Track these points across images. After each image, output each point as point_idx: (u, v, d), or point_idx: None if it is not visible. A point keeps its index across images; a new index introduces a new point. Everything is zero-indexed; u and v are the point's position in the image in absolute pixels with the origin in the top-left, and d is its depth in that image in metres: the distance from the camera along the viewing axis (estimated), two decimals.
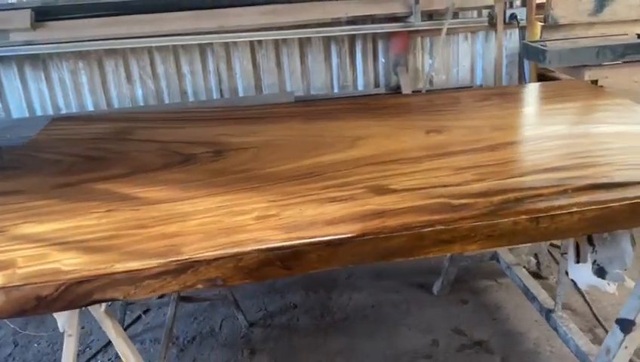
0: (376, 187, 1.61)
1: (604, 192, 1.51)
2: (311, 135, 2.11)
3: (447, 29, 3.77)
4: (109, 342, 2.75)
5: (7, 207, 1.61)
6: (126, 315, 2.87)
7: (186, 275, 1.29)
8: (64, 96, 3.89)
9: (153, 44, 3.73)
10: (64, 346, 1.47)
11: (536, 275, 2.98)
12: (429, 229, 1.39)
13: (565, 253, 2.16)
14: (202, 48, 3.85)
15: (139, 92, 3.92)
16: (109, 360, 2.67)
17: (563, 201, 1.46)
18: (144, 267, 1.27)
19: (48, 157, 2.02)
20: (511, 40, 3.97)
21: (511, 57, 4.01)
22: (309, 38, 3.86)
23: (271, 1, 3.54)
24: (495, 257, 2.87)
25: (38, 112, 3.92)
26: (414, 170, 1.73)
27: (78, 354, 2.69)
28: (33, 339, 2.84)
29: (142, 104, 3.93)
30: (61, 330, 1.47)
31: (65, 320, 1.44)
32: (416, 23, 3.50)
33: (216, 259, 1.30)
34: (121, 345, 1.50)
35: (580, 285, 2.03)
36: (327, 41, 3.90)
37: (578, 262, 1.90)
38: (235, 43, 3.83)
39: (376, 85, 4.05)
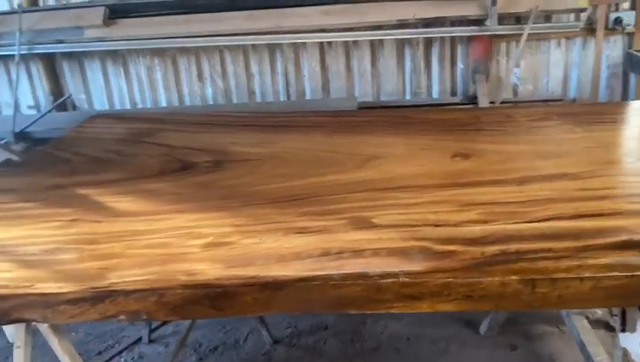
0: (358, 219, 1.39)
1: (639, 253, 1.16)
2: (324, 150, 1.91)
3: (538, 33, 3.34)
4: (138, 340, 2.79)
5: None
6: None
7: (104, 304, 1.18)
8: (140, 91, 4.02)
9: (224, 44, 3.72)
10: (14, 358, 1.44)
11: (607, 326, 2.52)
12: (390, 281, 1.14)
13: None
14: (271, 49, 3.77)
15: (209, 90, 3.94)
16: (132, 359, 2.68)
17: (574, 262, 1.14)
18: (60, 291, 1.17)
19: (62, 155, 2.03)
20: (614, 48, 3.43)
21: (614, 68, 3.46)
22: (381, 41, 3.62)
23: (333, 1, 3.36)
24: None
25: (117, 106, 4.09)
26: (413, 202, 1.47)
27: (106, 349, 2.77)
28: (74, 328, 2.93)
29: (211, 102, 3.95)
30: (10, 341, 1.43)
31: (12, 332, 1.40)
32: (493, 27, 3.13)
33: (137, 291, 1.16)
34: None
35: (633, 356, 1.63)
36: (400, 43, 3.63)
37: (624, 330, 1.51)
38: (304, 44, 3.70)
39: (453, 93, 3.70)
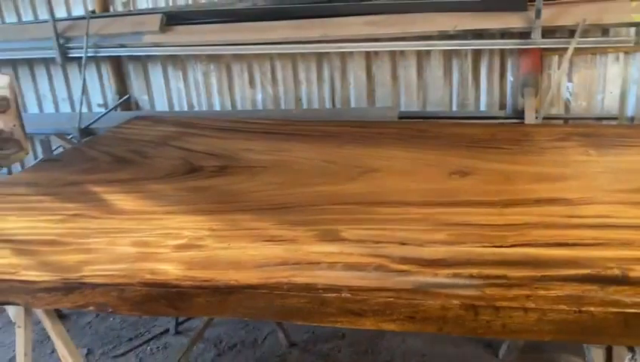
0: (328, 232, 1.41)
1: (599, 288, 1.10)
2: (327, 160, 1.94)
3: (592, 48, 3.16)
4: (165, 331, 2.94)
5: (13, 197, 1.79)
6: None
7: (74, 295, 1.28)
8: (197, 94, 4.21)
9: (275, 51, 3.83)
10: (16, 337, 1.58)
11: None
12: (334, 295, 1.16)
13: None
14: (319, 57, 3.82)
15: (259, 96, 4.06)
16: (157, 347, 2.82)
17: (523, 291, 1.10)
18: (37, 279, 1.29)
19: (92, 154, 2.19)
20: None
21: None
22: (428, 51, 3.57)
23: (379, 11, 3.36)
24: None
25: (176, 107, 4.31)
26: (390, 218, 1.47)
27: (137, 336, 2.94)
28: (112, 314, 3.13)
29: (260, 107, 4.06)
30: (13, 321, 1.58)
31: (14, 313, 1.54)
32: (538, 40, 2.99)
33: (101, 284, 1.26)
34: (60, 347, 1.56)
35: None
36: (448, 55, 3.56)
37: None
38: (351, 53, 3.73)
39: (502, 107, 3.58)
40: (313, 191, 1.68)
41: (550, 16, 3.00)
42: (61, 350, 1.56)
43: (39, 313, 1.54)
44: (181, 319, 2.95)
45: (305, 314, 1.19)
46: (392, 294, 1.14)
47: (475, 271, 1.18)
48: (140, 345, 2.84)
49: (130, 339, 2.89)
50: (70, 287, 1.27)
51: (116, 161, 2.09)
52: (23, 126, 2.60)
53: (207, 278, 1.23)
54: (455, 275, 1.18)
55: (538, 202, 1.50)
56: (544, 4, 2.97)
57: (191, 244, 1.39)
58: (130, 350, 2.79)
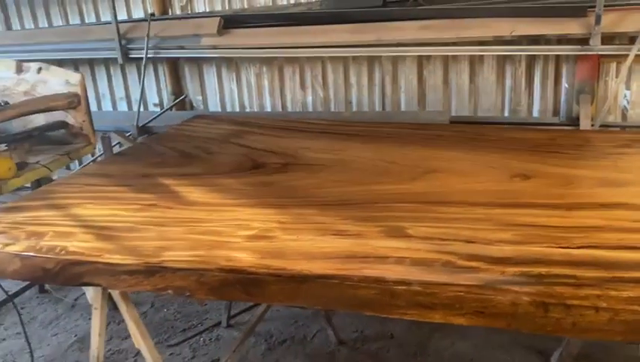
0: (393, 228, 1.45)
1: None
2: (387, 160, 1.98)
3: None
4: (217, 324, 3.03)
5: (89, 188, 1.90)
6: (234, 303, 3.06)
7: (155, 278, 1.36)
8: (249, 96, 4.32)
9: (327, 55, 3.90)
10: (92, 318, 1.67)
11: None
12: (404, 288, 1.20)
13: None
14: (371, 61, 3.87)
15: (309, 98, 4.14)
16: (209, 339, 2.91)
17: (594, 291, 1.12)
18: (121, 262, 1.37)
19: (159, 149, 2.30)
20: None
21: None
22: (481, 57, 3.57)
23: (434, 16, 3.38)
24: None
25: (228, 108, 4.43)
26: (454, 217, 1.50)
27: (190, 327, 3.03)
28: (166, 305, 3.24)
29: (310, 110, 4.14)
30: (90, 303, 1.68)
31: (92, 295, 1.64)
32: (596, 46, 2.95)
33: (181, 269, 1.33)
34: (133, 328, 1.64)
35: None
36: (501, 60, 3.55)
37: None
38: (402, 57, 3.76)
39: (556, 113, 3.54)
40: (375, 190, 1.72)
41: (610, 22, 2.97)
42: (133, 331, 1.65)
43: (115, 296, 1.64)
44: (233, 312, 3.04)
45: (375, 306, 1.23)
46: (463, 289, 1.17)
47: (543, 270, 1.21)
48: (193, 336, 2.93)
49: (184, 330, 2.99)
50: (152, 271, 1.35)
51: (183, 156, 2.18)
52: (91, 122, 2.74)
53: (280, 267, 1.29)
54: (523, 273, 1.20)
55: (603, 206, 1.51)
56: (604, 10, 2.94)
57: (261, 235, 1.46)
58: (184, 340, 2.89)
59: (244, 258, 1.34)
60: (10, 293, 2.69)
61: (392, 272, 1.24)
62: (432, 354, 2.66)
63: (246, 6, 4.09)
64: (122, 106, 4.74)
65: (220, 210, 1.64)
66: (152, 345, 1.69)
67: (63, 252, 1.43)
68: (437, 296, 1.18)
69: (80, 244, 1.46)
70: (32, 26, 4.81)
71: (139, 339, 1.65)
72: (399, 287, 1.20)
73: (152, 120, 4.05)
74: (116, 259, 1.38)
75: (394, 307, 1.22)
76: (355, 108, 4.04)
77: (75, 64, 4.59)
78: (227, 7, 4.13)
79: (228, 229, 1.50)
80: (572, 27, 3.01)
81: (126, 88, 4.65)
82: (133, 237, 1.49)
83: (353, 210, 1.58)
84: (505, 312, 1.15)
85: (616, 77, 3.29)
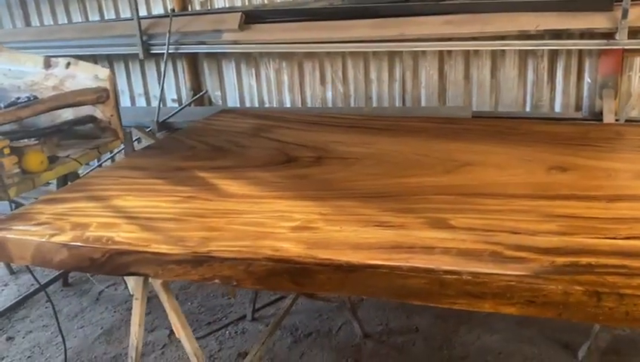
0: (435, 220, 1.46)
1: None
2: (418, 153, 1.99)
3: None
4: (242, 317, 3.05)
5: (125, 180, 1.92)
6: (259, 297, 3.07)
7: (202, 268, 1.37)
8: (268, 92, 4.34)
9: (348, 50, 3.90)
10: (133, 308, 1.70)
11: None
12: (454, 277, 1.21)
13: None
14: (391, 56, 3.87)
15: (329, 94, 4.15)
16: (235, 332, 2.93)
17: None
18: (169, 252, 1.39)
19: (189, 143, 2.32)
20: None
21: None
22: (502, 51, 3.57)
23: (456, 10, 3.38)
24: None
25: (247, 103, 4.45)
26: (495, 209, 1.51)
27: (215, 321, 3.06)
28: (190, 298, 3.27)
29: (330, 105, 4.15)
30: (131, 293, 1.70)
31: (133, 285, 1.66)
32: (622, 41, 2.94)
33: (229, 259, 1.35)
34: (174, 318, 1.66)
35: None
36: (523, 55, 3.54)
37: None
38: (423, 52, 3.76)
39: (578, 108, 3.53)
40: (411, 182, 1.73)
41: (637, 16, 2.96)
42: (174, 320, 1.67)
43: (156, 286, 1.66)
44: (258, 306, 3.06)
45: (424, 295, 1.24)
46: (514, 278, 1.18)
47: (592, 260, 1.21)
48: (219, 329, 2.95)
49: (209, 323, 3.01)
50: (200, 260, 1.37)
51: (214, 150, 2.20)
52: (119, 116, 2.76)
53: (327, 257, 1.30)
54: (573, 263, 1.21)
55: None
56: (631, 4, 2.93)
57: (304, 226, 1.47)
58: (210, 333, 2.91)
59: (290, 248, 1.35)
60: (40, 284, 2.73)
61: (440, 262, 1.25)
62: (457, 348, 2.66)
63: (266, 1, 4.10)
64: (141, 102, 4.77)
65: (259, 202, 1.65)
66: (192, 334, 1.71)
67: (109, 242, 1.45)
68: (487, 286, 1.19)
69: (126, 235, 1.48)
70: (52, 23, 4.84)
71: (179, 329, 1.67)
72: (449, 277, 1.21)
73: (171, 115, 4.07)
74: (164, 248, 1.40)
75: (443, 296, 1.23)
76: (375, 104, 4.04)
77: (93, 60, 4.62)
78: (247, 3, 4.15)
79: (270, 220, 1.52)
80: (598, 21, 3.00)
81: (145, 84, 4.67)
82: (177, 228, 1.51)
83: (392, 202, 1.59)
84: (556, 302, 1.16)
85: None
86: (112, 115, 2.72)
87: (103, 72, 2.69)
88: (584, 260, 1.21)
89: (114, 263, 1.44)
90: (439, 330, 2.79)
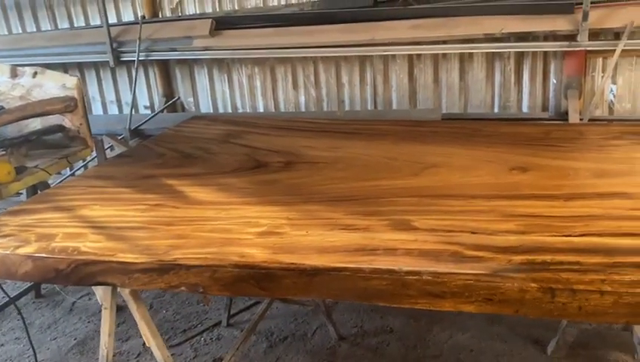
0: (399, 221, 1.49)
1: None
2: (387, 157, 2.03)
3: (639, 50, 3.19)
4: (218, 324, 3.04)
5: (94, 189, 1.91)
6: (234, 303, 3.07)
7: (169, 276, 1.38)
8: (241, 97, 4.34)
9: (318, 55, 3.93)
10: (102, 318, 1.69)
11: None
12: (414, 278, 1.24)
13: None
14: (362, 60, 3.91)
15: (302, 98, 4.17)
16: (210, 338, 2.93)
17: (599, 276, 1.16)
18: (135, 261, 1.39)
19: (158, 150, 2.31)
20: None
21: None
22: (470, 54, 3.64)
23: (424, 15, 3.43)
24: (630, 328, 2.36)
25: (220, 109, 4.44)
26: (458, 210, 1.55)
27: (190, 328, 3.05)
28: (165, 306, 3.25)
29: (303, 110, 4.17)
30: (100, 303, 1.69)
31: (101, 295, 1.66)
32: (584, 42, 3.03)
33: (195, 266, 1.36)
34: (143, 327, 1.66)
35: None
36: (490, 57, 3.61)
37: None
38: (393, 56, 3.81)
39: (544, 108, 3.62)
40: (379, 185, 1.76)
41: (596, 18, 3.04)
42: (144, 329, 1.67)
43: (125, 295, 1.65)
44: (233, 311, 3.06)
45: (387, 296, 1.27)
46: (472, 277, 1.21)
47: (548, 257, 1.25)
48: (194, 336, 2.94)
49: (184, 331, 3.00)
50: (165, 268, 1.37)
51: (184, 157, 2.20)
52: (88, 125, 2.74)
53: (292, 262, 1.32)
54: (529, 261, 1.25)
55: (600, 196, 1.56)
56: (591, 6, 3.01)
57: (271, 231, 1.49)
58: (186, 340, 2.90)
59: (256, 253, 1.37)
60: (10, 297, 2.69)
61: (402, 263, 1.27)
62: (431, 347, 2.70)
63: (237, 7, 4.11)
64: (113, 110, 4.73)
65: (226, 209, 1.66)
66: (162, 343, 1.71)
67: (75, 252, 1.44)
68: (446, 285, 1.22)
69: (92, 244, 1.48)
70: (20, 31, 4.78)
71: (149, 338, 1.67)
72: (410, 277, 1.24)
73: (144, 122, 4.05)
74: (129, 258, 1.40)
75: (405, 297, 1.26)
76: (347, 107, 4.07)
77: (64, 68, 4.57)
78: (218, 9, 4.15)
79: (237, 227, 1.53)
80: (560, 24, 3.08)
81: (116, 91, 4.64)
82: (144, 237, 1.51)
83: (359, 205, 1.61)
84: (513, 299, 1.19)
85: (603, 72, 3.37)
86: (81, 124, 2.70)
87: (71, 80, 2.67)
88: (540, 258, 1.25)
89: (80, 274, 1.44)
90: (413, 330, 2.83)
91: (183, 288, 1.39)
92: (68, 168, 4.58)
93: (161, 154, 2.25)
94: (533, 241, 1.33)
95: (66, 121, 2.70)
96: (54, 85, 2.66)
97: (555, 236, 1.35)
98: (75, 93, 2.66)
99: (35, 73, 2.72)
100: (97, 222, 1.62)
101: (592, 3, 3.02)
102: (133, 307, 1.65)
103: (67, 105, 2.62)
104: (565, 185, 1.65)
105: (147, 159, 2.20)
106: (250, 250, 1.39)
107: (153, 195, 1.80)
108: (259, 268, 1.32)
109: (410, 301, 1.26)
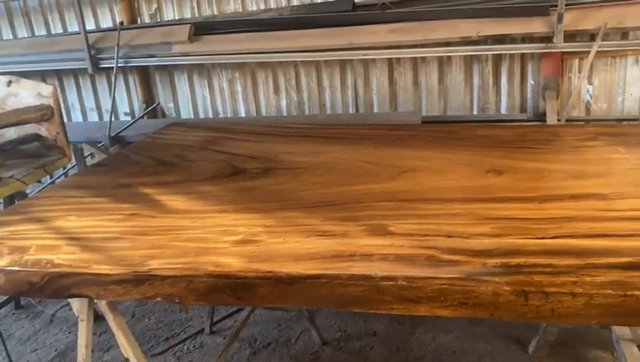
0: (376, 226, 1.49)
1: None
2: (365, 161, 2.03)
3: (613, 51, 3.24)
4: (200, 331, 3.02)
5: (69, 200, 1.89)
6: (216, 310, 3.06)
7: (144, 287, 1.37)
8: (222, 102, 4.33)
9: (299, 59, 3.93)
10: (79, 329, 1.67)
11: None
12: (390, 283, 1.24)
13: None
14: (342, 64, 3.92)
15: (283, 102, 4.17)
16: (193, 346, 2.91)
17: (570, 278, 1.18)
18: (109, 272, 1.38)
19: (136, 158, 2.29)
20: None
21: None
22: (449, 57, 3.66)
23: (402, 19, 3.45)
24: (608, 326, 2.39)
25: (201, 115, 4.43)
26: (434, 213, 1.55)
27: (173, 336, 3.03)
28: (147, 314, 3.22)
29: (285, 114, 4.17)
30: (76, 315, 1.67)
31: (78, 306, 1.64)
32: (560, 44, 3.07)
33: (170, 276, 1.35)
34: (121, 338, 1.65)
35: None
36: (468, 60, 3.64)
37: None
38: (373, 60, 3.83)
39: (523, 110, 3.65)
40: (357, 190, 1.76)
41: (571, 20, 3.09)
42: (121, 340, 1.65)
43: (102, 306, 1.64)
44: (216, 319, 3.04)
45: (363, 302, 1.27)
46: (446, 281, 1.21)
47: (521, 260, 1.26)
48: (177, 344, 2.92)
49: (167, 339, 2.98)
50: (140, 279, 1.36)
51: (161, 165, 2.19)
52: (65, 133, 2.71)
53: (268, 270, 1.32)
54: (503, 264, 1.25)
55: (574, 197, 1.58)
56: (565, 8, 3.05)
57: (248, 240, 1.48)
58: (168, 349, 2.88)
59: (232, 263, 1.36)
60: None
61: (378, 269, 1.28)
62: (414, 349, 2.71)
63: (216, 12, 4.10)
64: (93, 117, 4.69)
65: (203, 217, 1.65)
66: (141, 354, 1.69)
67: (48, 265, 1.42)
68: (422, 290, 1.23)
69: (65, 256, 1.46)
70: None
71: (127, 349, 1.65)
72: (385, 283, 1.24)
73: (124, 129, 4.02)
74: (104, 269, 1.39)
75: (381, 302, 1.26)
76: (329, 111, 4.08)
77: (42, 76, 4.52)
78: (197, 14, 4.14)
79: (213, 235, 1.52)
80: (535, 26, 3.12)
81: (96, 98, 4.60)
82: (119, 247, 1.49)
83: (336, 211, 1.61)
84: (487, 302, 1.20)
85: (579, 73, 3.42)
86: (57, 133, 2.67)
87: (47, 88, 2.64)
88: (514, 261, 1.26)
89: (54, 286, 1.42)
90: (396, 333, 2.83)
91: (158, 299, 1.38)
92: (48, 177, 4.53)
93: (137, 162, 2.23)
94: (508, 244, 1.34)
95: (43, 129, 2.67)
96: (29, 94, 2.63)
97: (529, 238, 1.36)
98: (51, 102, 2.63)
99: (10, 82, 2.69)
100: (72, 233, 1.60)
101: (566, 5, 3.06)
102: (110, 317, 1.63)
103: (43, 113, 2.59)
104: (540, 187, 1.67)
105: (124, 167, 2.18)
106: (226, 259, 1.38)
107: (129, 205, 1.78)
108: (234, 277, 1.32)
109: (386, 306, 1.26)
